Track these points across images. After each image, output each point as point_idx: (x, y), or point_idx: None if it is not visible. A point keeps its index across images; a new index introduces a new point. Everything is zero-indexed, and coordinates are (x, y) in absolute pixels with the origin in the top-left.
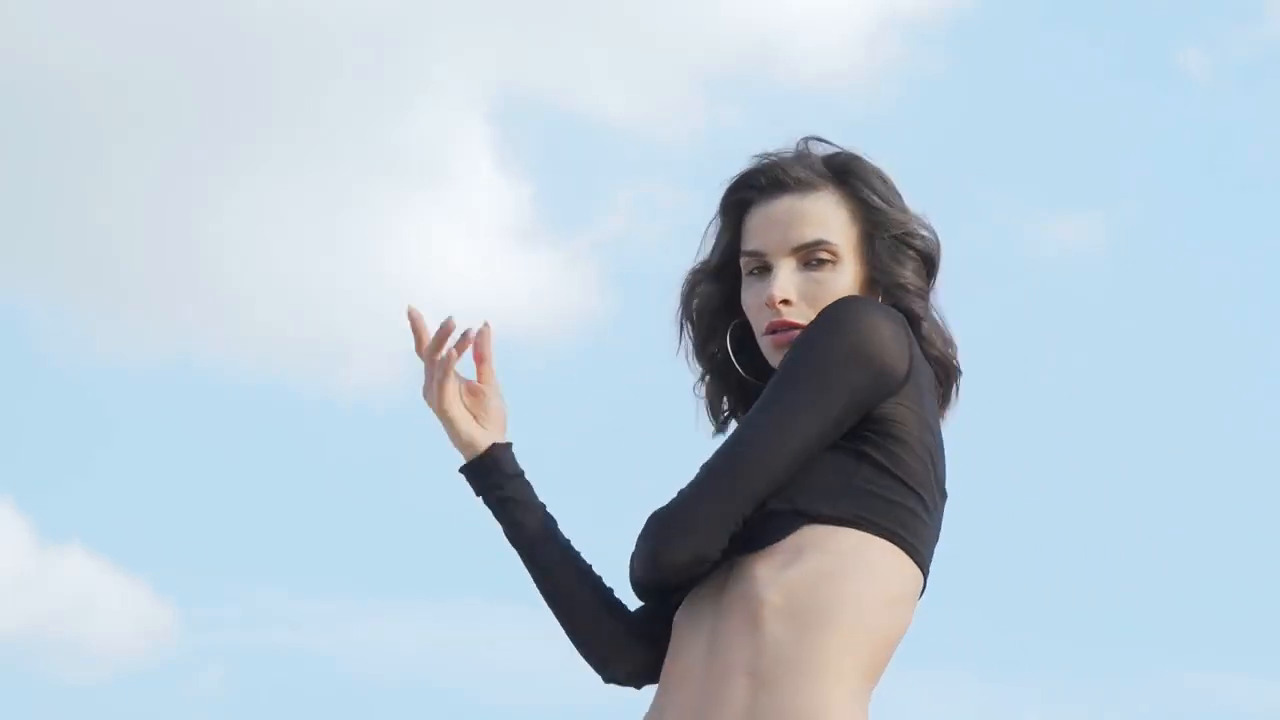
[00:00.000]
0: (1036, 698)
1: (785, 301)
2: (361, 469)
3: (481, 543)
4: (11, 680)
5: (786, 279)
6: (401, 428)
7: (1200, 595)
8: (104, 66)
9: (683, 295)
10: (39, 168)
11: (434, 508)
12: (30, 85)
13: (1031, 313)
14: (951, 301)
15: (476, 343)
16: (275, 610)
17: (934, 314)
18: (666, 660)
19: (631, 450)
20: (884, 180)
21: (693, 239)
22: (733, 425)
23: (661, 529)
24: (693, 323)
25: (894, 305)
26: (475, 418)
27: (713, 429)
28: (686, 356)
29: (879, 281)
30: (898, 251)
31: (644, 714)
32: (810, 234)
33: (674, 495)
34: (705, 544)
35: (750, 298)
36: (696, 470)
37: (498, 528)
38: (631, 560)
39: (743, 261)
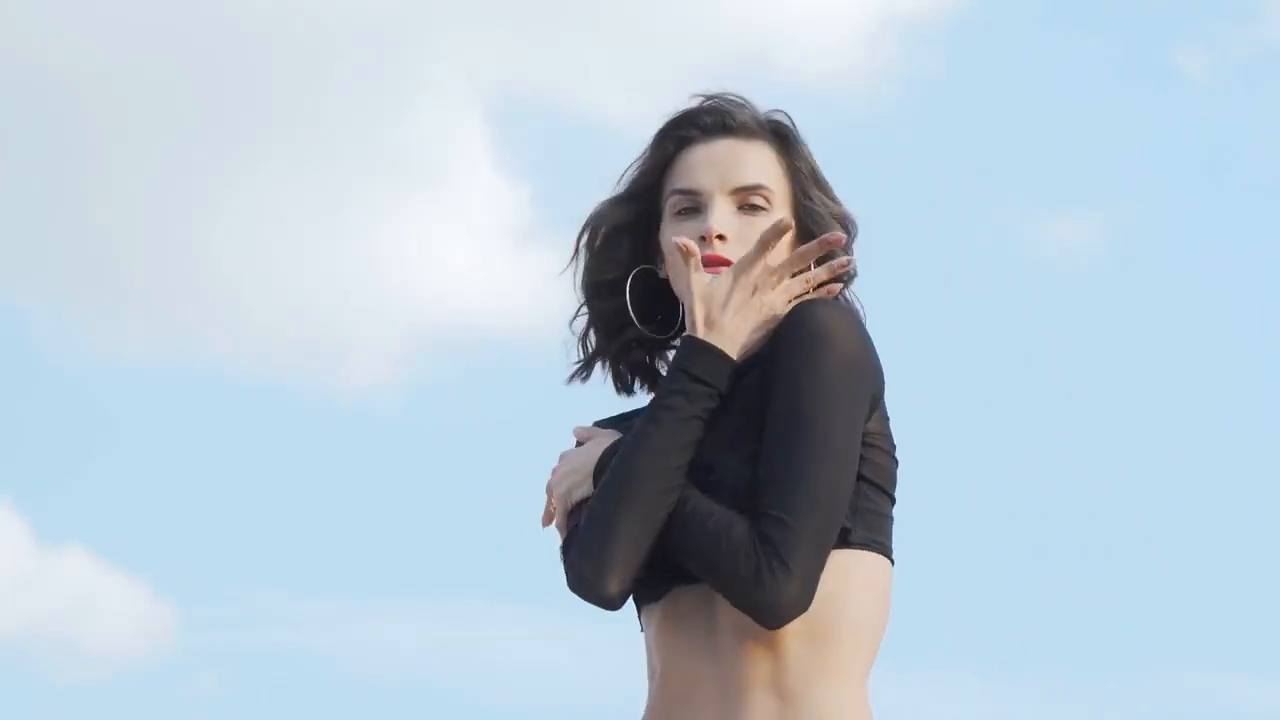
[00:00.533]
0: (1036, 698)
1: (721, 237)
2: (361, 469)
3: (481, 543)
4: (10, 680)
5: (723, 215)
6: (401, 428)
7: (1200, 595)
8: (104, 67)
9: (589, 219)
10: (39, 168)
11: (434, 508)
12: (30, 85)
13: (1030, 312)
14: (951, 301)
15: None
16: (274, 610)
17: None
18: (658, 679)
19: None
20: (808, 151)
21: None
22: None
23: (774, 585)
24: (592, 250)
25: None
26: None
27: (576, 359)
28: (574, 284)
29: (805, 231)
30: (827, 214)
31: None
32: (751, 176)
33: (759, 523)
34: (808, 592)
35: (678, 234)
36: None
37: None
38: (737, 594)
39: (672, 200)
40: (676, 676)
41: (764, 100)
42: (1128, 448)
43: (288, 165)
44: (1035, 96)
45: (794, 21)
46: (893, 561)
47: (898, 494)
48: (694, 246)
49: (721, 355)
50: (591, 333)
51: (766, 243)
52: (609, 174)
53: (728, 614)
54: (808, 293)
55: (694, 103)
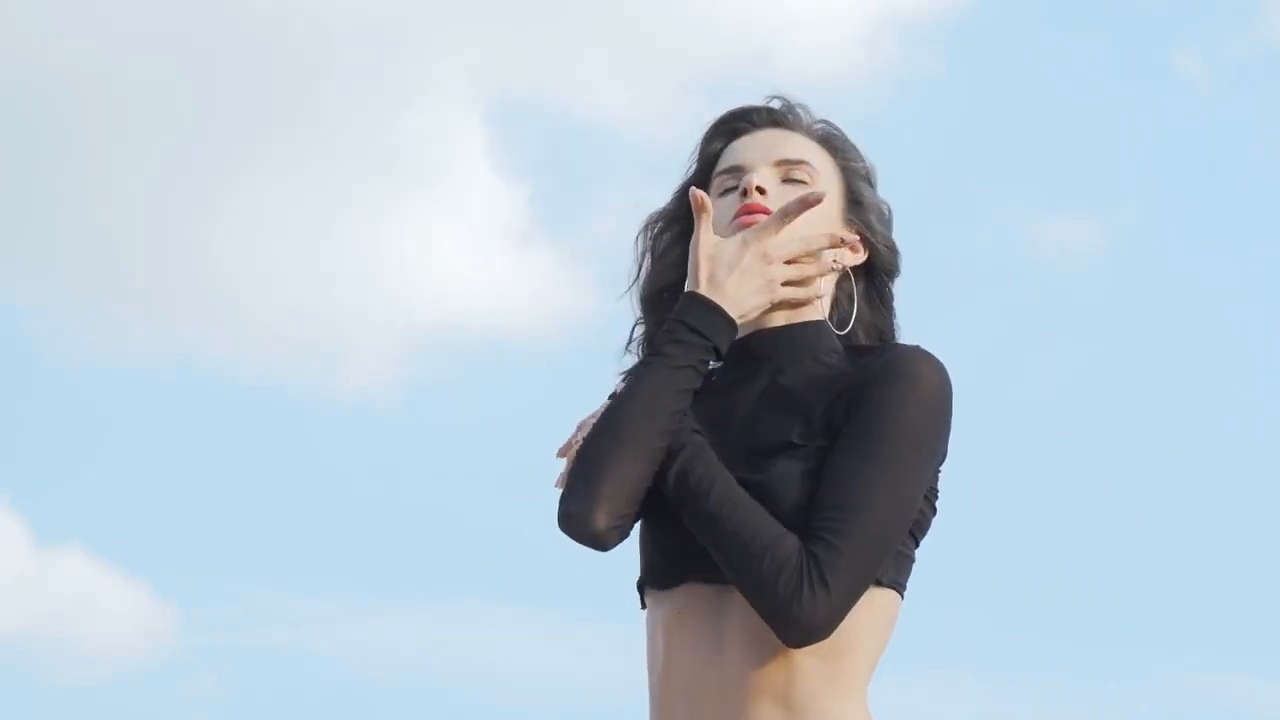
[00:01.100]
0: (1036, 698)
1: (761, 190)
2: (360, 469)
3: (481, 543)
4: (10, 681)
5: (765, 178)
6: (400, 428)
7: (1200, 595)
8: (104, 67)
9: (643, 226)
10: (38, 167)
11: (433, 508)
12: (30, 85)
13: (1030, 313)
14: (950, 302)
15: None
16: (274, 610)
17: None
18: (661, 671)
19: None
20: (860, 154)
21: None
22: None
23: (810, 604)
24: (653, 256)
25: (873, 252)
26: None
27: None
28: (632, 294)
29: (858, 215)
30: (875, 195)
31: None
32: (794, 152)
33: (809, 541)
34: (838, 619)
35: (722, 208)
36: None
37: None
38: (770, 607)
39: (717, 182)
40: (680, 673)
41: (761, 101)
42: (1127, 448)
43: (287, 165)
44: (1034, 97)
45: (793, 22)
46: (903, 596)
47: None
48: (704, 197)
49: (721, 312)
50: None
51: (787, 213)
52: (606, 175)
53: (742, 619)
54: (816, 272)
55: (747, 103)
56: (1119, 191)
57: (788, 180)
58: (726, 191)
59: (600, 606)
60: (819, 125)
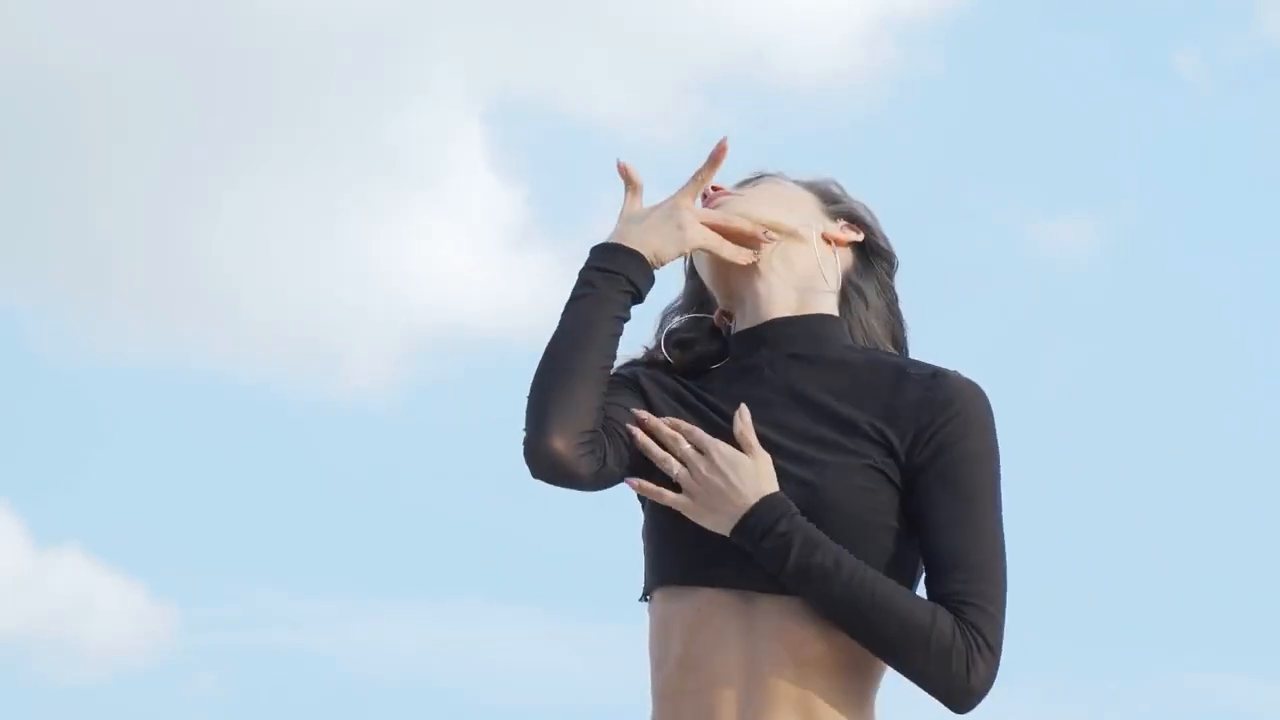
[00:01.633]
0: (1036, 698)
1: (716, 189)
2: (360, 470)
3: (481, 543)
4: (9, 681)
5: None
6: (400, 428)
7: (1200, 595)
8: (102, 68)
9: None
10: (35, 169)
11: (433, 508)
12: (28, 86)
13: (1028, 313)
14: (949, 302)
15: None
16: (274, 611)
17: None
18: (675, 664)
19: None
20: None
21: None
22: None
23: (983, 672)
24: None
25: (867, 236)
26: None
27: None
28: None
29: (840, 211)
30: (858, 204)
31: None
32: (751, 176)
33: (961, 611)
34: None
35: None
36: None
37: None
38: (945, 689)
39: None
40: (698, 673)
41: (759, 102)
42: (1126, 449)
43: (286, 165)
44: (1033, 98)
45: (792, 22)
46: None
47: None
48: (631, 170)
49: (621, 247)
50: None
51: (699, 173)
52: (605, 175)
53: (770, 626)
54: (727, 226)
55: None
56: (1118, 192)
57: (749, 188)
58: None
59: (600, 606)
60: (813, 180)
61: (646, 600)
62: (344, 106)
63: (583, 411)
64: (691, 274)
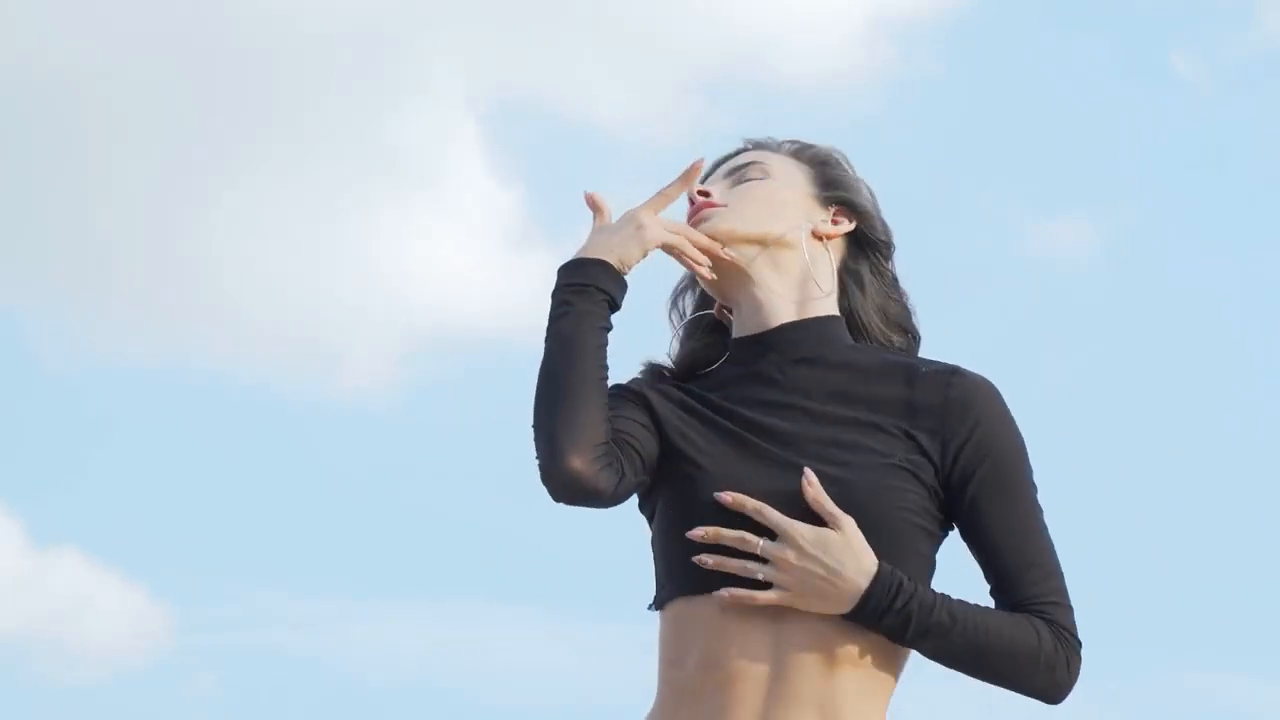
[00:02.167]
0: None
1: (704, 193)
2: (359, 470)
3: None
4: (8, 682)
5: (713, 183)
6: (399, 428)
7: (1200, 595)
8: (100, 69)
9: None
10: (34, 169)
11: (432, 508)
12: (27, 87)
13: (1026, 314)
14: (946, 304)
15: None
16: (273, 611)
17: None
18: (699, 662)
19: None
20: (850, 167)
21: None
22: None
23: (1076, 668)
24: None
25: (860, 223)
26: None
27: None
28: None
29: (833, 195)
30: (852, 178)
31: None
32: (744, 160)
33: (1046, 613)
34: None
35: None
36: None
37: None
38: (1051, 694)
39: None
40: (719, 671)
41: (758, 102)
42: (1125, 448)
43: (285, 166)
44: (1032, 98)
45: (792, 23)
46: None
47: None
48: (598, 198)
49: (586, 259)
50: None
51: (665, 190)
52: (602, 176)
53: (798, 626)
54: (683, 252)
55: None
56: (1116, 192)
57: (739, 183)
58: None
59: (600, 606)
60: (787, 144)
61: (656, 609)
62: (344, 107)
63: (592, 426)
64: None
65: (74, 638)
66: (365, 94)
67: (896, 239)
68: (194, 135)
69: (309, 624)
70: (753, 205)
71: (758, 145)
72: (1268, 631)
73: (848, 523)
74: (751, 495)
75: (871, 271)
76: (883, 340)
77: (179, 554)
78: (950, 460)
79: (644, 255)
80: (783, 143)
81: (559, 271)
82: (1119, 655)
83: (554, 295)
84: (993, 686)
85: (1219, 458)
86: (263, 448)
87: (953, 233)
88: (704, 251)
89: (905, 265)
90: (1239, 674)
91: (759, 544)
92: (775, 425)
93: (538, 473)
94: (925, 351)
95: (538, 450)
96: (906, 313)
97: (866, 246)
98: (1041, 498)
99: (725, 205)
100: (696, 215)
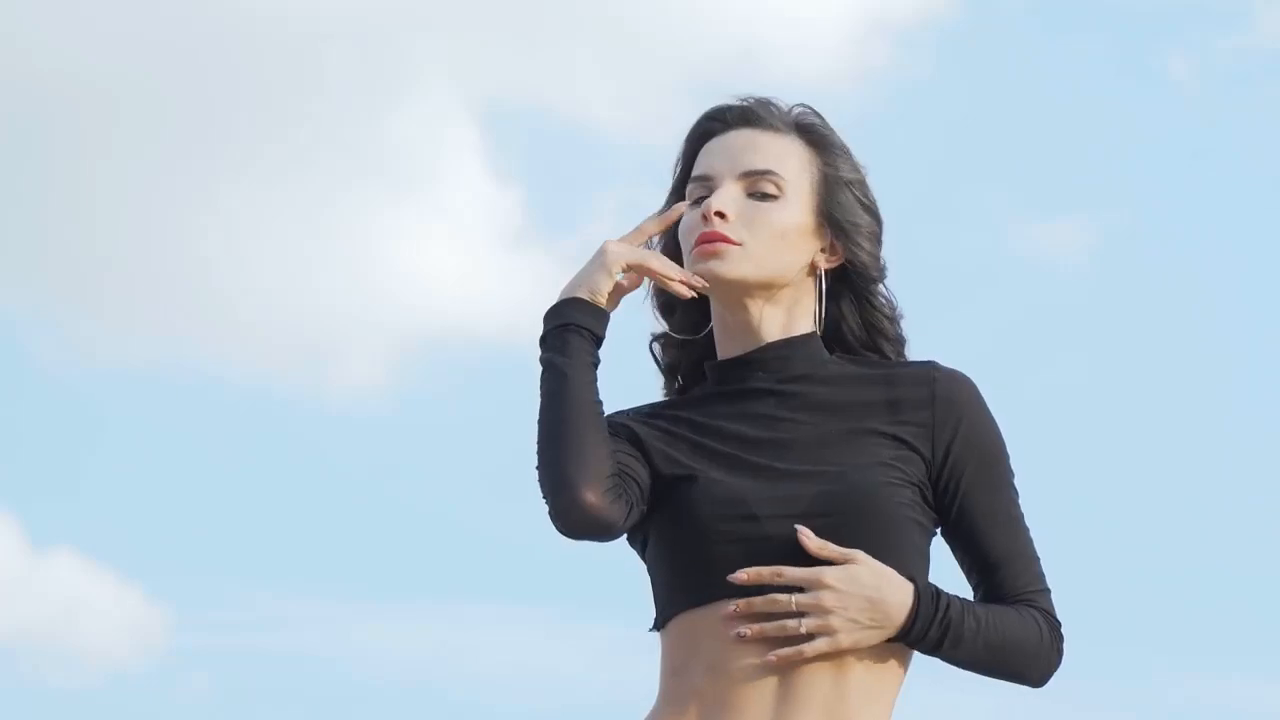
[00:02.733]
0: (1035, 698)
1: (721, 215)
2: (354, 472)
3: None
4: (4, 683)
5: (727, 195)
6: (394, 431)
7: (1199, 597)
8: (90, 72)
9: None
10: (26, 172)
11: (428, 510)
12: (17, 90)
13: (1019, 317)
14: (939, 305)
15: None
16: (269, 613)
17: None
18: (708, 666)
19: None
20: (850, 155)
21: None
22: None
23: (1062, 647)
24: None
25: (850, 259)
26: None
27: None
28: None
29: (831, 224)
30: (855, 202)
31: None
32: (761, 162)
33: (1033, 601)
34: None
35: (687, 220)
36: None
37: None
38: (1043, 680)
39: (689, 190)
40: (728, 676)
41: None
42: (1119, 450)
43: (278, 168)
44: (1026, 100)
45: (784, 24)
46: None
47: None
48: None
49: (561, 301)
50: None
51: (643, 227)
52: (598, 177)
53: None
54: (659, 269)
55: (724, 100)
56: (1110, 194)
57: (754, 194)
58: (696, 201)
59: (600, 607)
60: (797, 113)
61: (658, 630)
62: (338, 108)
63: (599, 459)
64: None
65: (70, 639)
66: (360, 95)
67: (889, 241)
68: (189, 137)
69: (305, 626)
70: (765, 246)
71: (768, 117)
72: (1268, 632)
73: (861, 554)
74: (750, 505)
75: (855, 293)
76: (862, 350)
77: (175, 555)
78: (941, 457)
79: (613, 280)
80: (795, 114)
81: (543, 319)
82: (1118, 656)
83: (540, 342)
84: (988, 680)
85: (1214, 457)
86: (258, 449)
87: (947, 234)
88: (681, 281)
89: (898, 266)
90: (1239, 675)
91: (792, 600)
92: (763, 436)
93: (550, 511)
94: (918, 353)
95: (547, 489)
96: (891, 324)
97: (855, 273)
98: (1038, 499)
99: (741, 245)
100: (711, 246)
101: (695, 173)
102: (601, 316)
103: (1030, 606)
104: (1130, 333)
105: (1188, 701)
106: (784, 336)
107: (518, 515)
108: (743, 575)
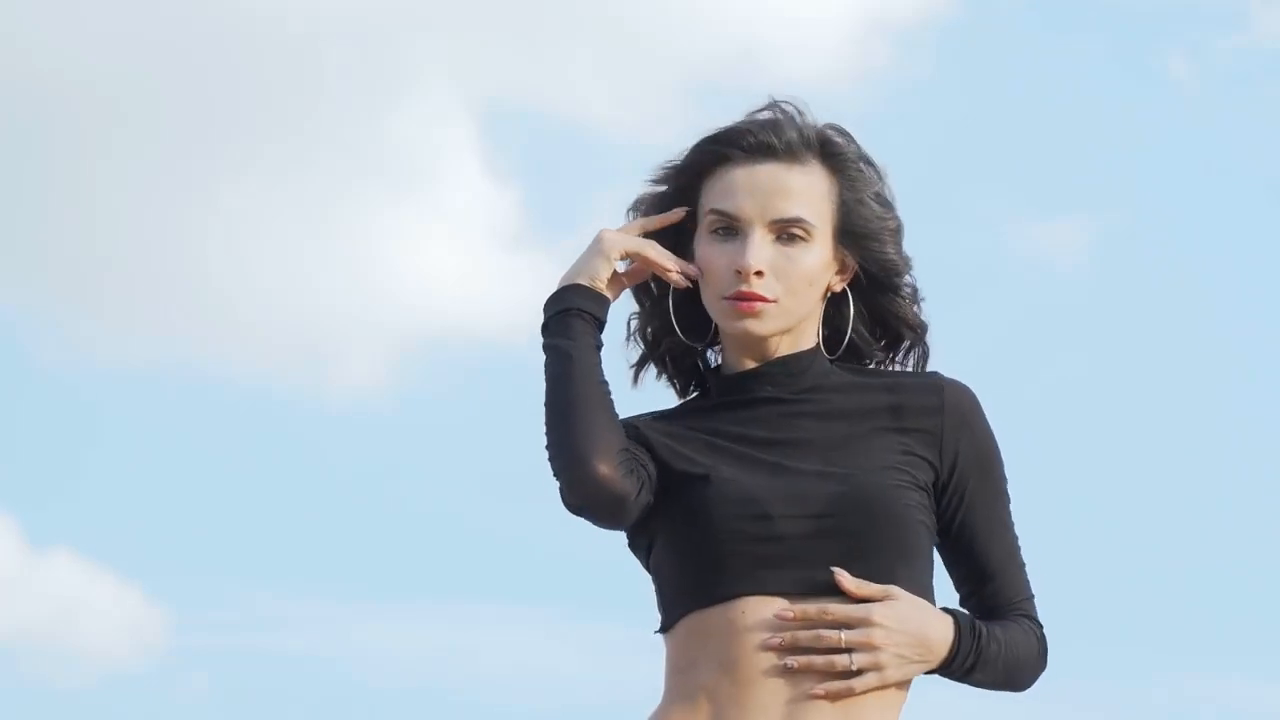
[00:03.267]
0: (1035, 699)
1: (759, 274)
2: (354, 472)
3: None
4: (2, 683)
5: (761, 249)
6: (394, 431)
7: (1199, 597)
8: (90, 72)
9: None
10: (25, 172)
11: (428, 510)
12: (18, 91)
13: (1018, 317)
14: (938, 306)
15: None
16: (269, 614)
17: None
18: (722, 664)
19: None
20: (869, 163)
21: None
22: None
23: (1047, 644)
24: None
25: (869, 265)
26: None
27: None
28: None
29: (851, 239)
30: (873, 211)
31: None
32: (792, 210)
33: (1024, 608)
34: None
35: (716, 257)
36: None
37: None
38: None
39: (710, 219)
40: (739, 674)
41: (753, 103)
42: (1118, 451)
43: (277, 168)
44: (1025, 100)
45: (784, 24)
46: None
47: None
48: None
49: (561, 288)
50: (637, 336)
51: (644, 225)
52: (596, 178)
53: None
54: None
55: (743, 121)
56: (1110, 195)
57: (782, 237)
58: (717, 231)
59: (600, 607)
60: (817, 133)
61: (664, 632)
62: (338, 108)
63: (610, 434)
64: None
65: (69, 639)
66: (360, 95)
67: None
68: (188, 136)
69: (304, 626)
70: (796, 298)
71: (791, 148)
72: (1268, 632)
73: (898, 590)
74: (763, 504)
75: (870, 310)
76: (875, 346)
77: (174, 555)
78: (949, 466)
79: (612, 267)
80: (816, 140)
81: (543, 307)
82: (1119, 657)
83: (542, 330)
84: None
85: (1213, 457)
86: (258, 449)
87: (946, 234)
88: (677, 271)
89: None
90: (1239, 675)
91: (840, 638)
92: (773, 436)
93: (561, 486)
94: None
95: (558, 465)
96: (916, 310)
97: (869, 288)
98: (1038, 499)
99: (776, 301)
100: (749, 306)
101: (719, 206)
102: (603, 302)
103: (1025, 618)
104: (1129, 333)
105: (1187, 701)
106: (792, 352)
107: (518, 515)
108: (788, 614)
